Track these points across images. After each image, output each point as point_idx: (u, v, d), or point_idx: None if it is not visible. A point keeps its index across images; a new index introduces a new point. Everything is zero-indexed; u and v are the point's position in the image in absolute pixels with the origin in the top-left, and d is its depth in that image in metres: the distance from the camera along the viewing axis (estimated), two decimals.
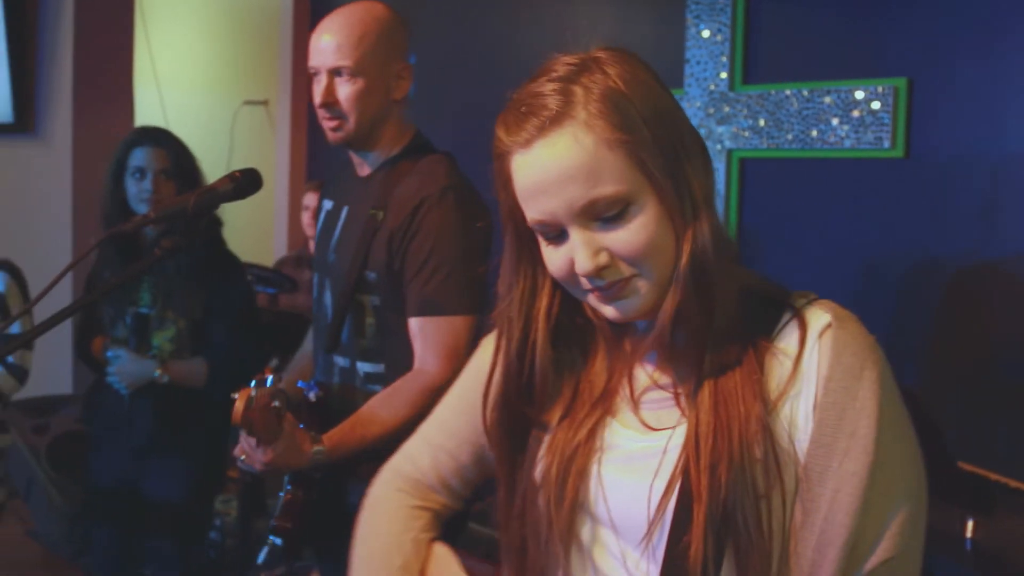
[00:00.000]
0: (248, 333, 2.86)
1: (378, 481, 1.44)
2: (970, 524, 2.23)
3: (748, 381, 1.09)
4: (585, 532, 1.18)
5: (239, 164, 4.83)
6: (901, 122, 3.24)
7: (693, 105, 3.71)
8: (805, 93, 3.43)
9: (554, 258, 1.12)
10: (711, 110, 3.67)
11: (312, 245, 3.73)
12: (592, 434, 1.16)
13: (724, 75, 3.65)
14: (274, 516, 2.10)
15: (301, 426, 1.97)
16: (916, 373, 3.21)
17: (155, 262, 1.50)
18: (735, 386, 1.08)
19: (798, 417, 1.09)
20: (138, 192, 2.78)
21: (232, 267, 2.91)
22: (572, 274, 1.11)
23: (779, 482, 1.07)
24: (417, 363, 2.06)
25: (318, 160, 5.93)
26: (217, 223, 2.89)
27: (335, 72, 2.10)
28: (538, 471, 1.19)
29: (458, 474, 1.38)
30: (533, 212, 1.10)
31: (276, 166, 6.02)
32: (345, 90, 2.09)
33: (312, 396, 2.12)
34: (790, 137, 3.47)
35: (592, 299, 1.13)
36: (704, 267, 1.08)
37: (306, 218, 4.90)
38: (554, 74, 1.10)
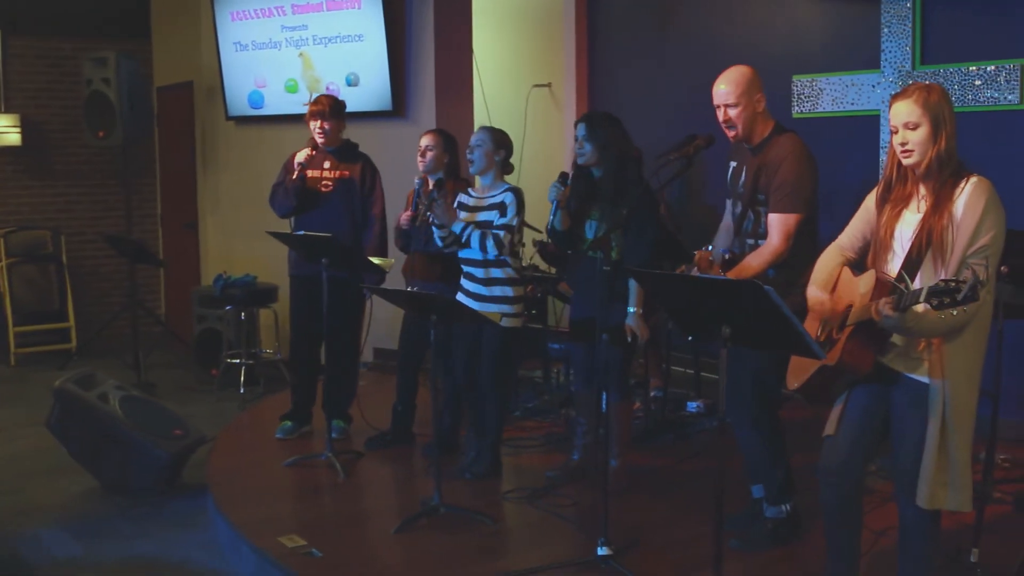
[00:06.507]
0: (645, 232, 4.49)
1: (829, 246, 3.27)
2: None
3: (946, 198, 2.89)
4: (891, 245, 3.02)
5: (533, 136, 6.91)
6: None
7: (887, 80, 5.56)
8: (965, 69, 5.27)
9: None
10: (900, 83, 5.51)
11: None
12: (899, 214, 3.01)
13: (908, 59, 5.53)
14: None
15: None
16: None
17: (672, 177, 3.68)
18: (943, 199, 2.89)
19: (958, 209, 2.86)
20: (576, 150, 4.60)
21: (646, 197, 4.43)
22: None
23: (951, 225, 2.86)
24: (768, 239, 3.80)
25: None
26: (640, 165, 4.70)
27: (727, 106, 3.82)
28: (883, 223, 3.06)
29: (858, 243, 3.19)
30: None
31: (565, 140, 7.28)
32: (732, 113, 3.84)
33: (727, 255, 3.97)
34: (954, 99, 5.28)
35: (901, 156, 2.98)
36: (941, 156, 2.89)
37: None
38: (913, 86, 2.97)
